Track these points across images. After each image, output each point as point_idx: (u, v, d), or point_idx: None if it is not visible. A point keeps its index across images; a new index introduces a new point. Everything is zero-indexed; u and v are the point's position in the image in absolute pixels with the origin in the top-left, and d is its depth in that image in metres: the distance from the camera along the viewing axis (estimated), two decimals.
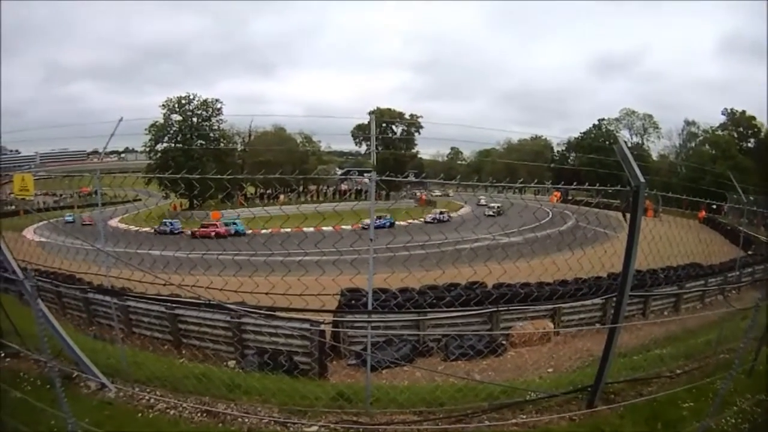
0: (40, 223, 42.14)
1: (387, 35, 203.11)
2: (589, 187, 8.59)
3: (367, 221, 7.54)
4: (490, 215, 58.45)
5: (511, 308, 15.92)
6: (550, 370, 13.47)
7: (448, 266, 10.74)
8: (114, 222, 61.05)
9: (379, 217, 52.42)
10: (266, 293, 8.71)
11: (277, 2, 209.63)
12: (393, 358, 13.80)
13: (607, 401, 7.27)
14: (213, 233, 46.89)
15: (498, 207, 60.23)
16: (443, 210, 64.14)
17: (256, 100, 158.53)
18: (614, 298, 7.24)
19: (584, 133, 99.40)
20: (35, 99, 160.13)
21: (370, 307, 8.08)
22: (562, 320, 18.07)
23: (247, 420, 6.78)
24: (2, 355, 8.26)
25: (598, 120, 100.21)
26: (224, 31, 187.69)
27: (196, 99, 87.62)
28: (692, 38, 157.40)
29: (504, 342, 16.31)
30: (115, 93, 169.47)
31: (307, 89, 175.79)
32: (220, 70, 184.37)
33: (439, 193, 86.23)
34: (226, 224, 51.56)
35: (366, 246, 7.38)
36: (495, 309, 15.70)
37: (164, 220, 56.82)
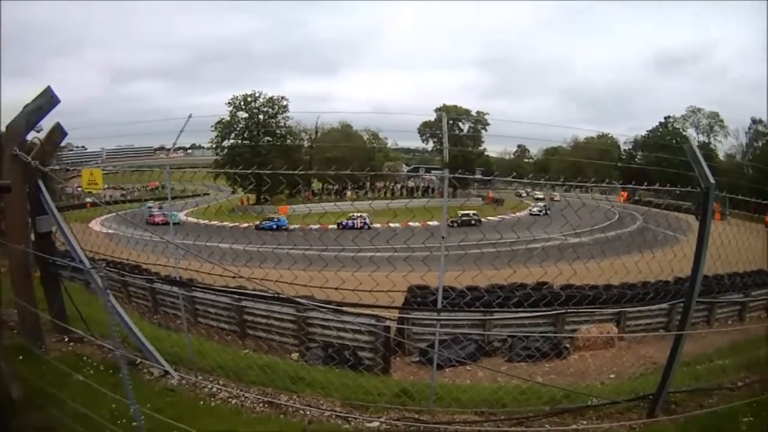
0: (107, 215, 42.92)
1: (451, 33, 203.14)
2: (657, 188, 8.25)
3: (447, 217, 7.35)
4: (534, 214, 58.07)
5: (579, 310, 15.63)
6: (612, 375, 13.26)
7: (519, 266, 10.47)
8: (182, 215, 62.07)
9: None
10: (336, 288, 8.60)
11: (342, 2, 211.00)
12: (458, 357, 13.60)
13: (667, 411, 6.99)
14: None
15: (544, 205, 59.76)
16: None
17: (321, 98, 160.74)
18: (681, 304, 6.96)
19: (650, 131, 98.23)
20: (100, 98, 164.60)
21: (439, 305, 7.87)
22: (627, 325, 17.67)
23: (308, 413, 6.68)
24: (66, 339, 8.28)
25: (664, 118, 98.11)
26: (288, 32, 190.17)
27: (262, 96, 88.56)
28: (759, 34, 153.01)
29: (568, 345, 16.01)
30: (180, 92, 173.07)
31: (372, 87, 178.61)
32: (285, 70, 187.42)
33: (524, 193, 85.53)
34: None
35: (437, 243, 7.18)
36: (563, 311, 15.43)
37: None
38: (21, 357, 6.97)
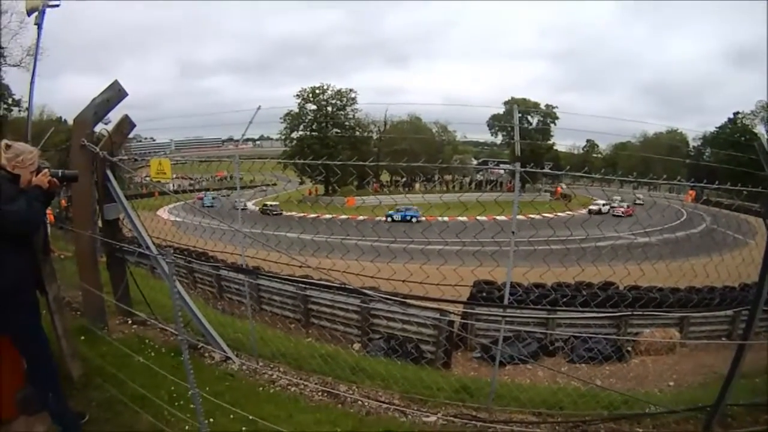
0: (176, 204, 43.60)
1: (523, 26, 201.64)
2: (727, 188, 7.91)
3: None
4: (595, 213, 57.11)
5: (645, 313, 15.31)
6: (671, 383, 12.82)
7: (588, 264, 10.28)
8: (249, 204, 62.81)
9: None
10: (403, 281, 8.55)
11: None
12: (520, 355, 13.45)
13: (723, 424, 6.77)
14: None
15: (604, 204, 58.68)
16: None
17: (391, 91, 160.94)
18: (745, 312, 6.70)
19: (719, 127, 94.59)
20: (170, 92, 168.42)
21: (506, 301, 7.75)
22: (689, 330, 17.20)
23: (366, 404, 6.63)
24: (130, 322, 8.42)
25: (734, 114, 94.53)
26: (360, 25, 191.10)
27: (330, 89, 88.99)
28: None
29: (630, 349, 15.70)
30: (250, 85, 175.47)
31: (443, 80, 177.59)
32: (356, 63, 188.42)
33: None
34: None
35: (507, 238, 7.05)
36: (629, 313, 15.14)
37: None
38: (83, 338, 7.09)
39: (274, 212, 58.91)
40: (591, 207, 59.31)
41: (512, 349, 13.85)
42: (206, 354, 7.68)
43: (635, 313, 15.10)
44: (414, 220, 44.80)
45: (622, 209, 60.42)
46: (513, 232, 6.78)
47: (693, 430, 6.67)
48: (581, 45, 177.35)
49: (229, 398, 5.87)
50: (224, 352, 7.64)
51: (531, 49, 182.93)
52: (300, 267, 8.02)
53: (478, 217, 9.15)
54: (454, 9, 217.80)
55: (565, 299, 15.03)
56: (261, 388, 6.83)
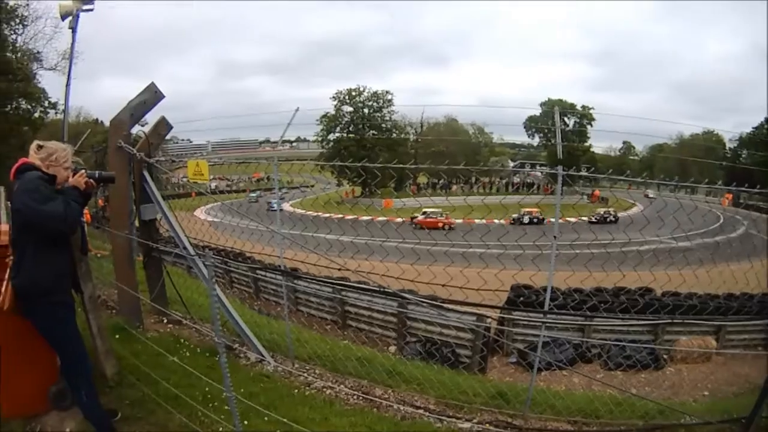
0: (212, 205, 43.95)
1: (560, 26, 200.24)
2: (761, 191, 7.68)
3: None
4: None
5: (685, 320, 15.09)
6: (705, 393, 12.74)
7: (628, 269, 10.17)
8: (286, 206, 63.14)
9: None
10: (443, 285, 8.49)
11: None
12: (556, 360, 13.31)
13: None
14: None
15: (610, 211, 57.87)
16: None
17: (429, 91, 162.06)
18: None
19: (756, 127, 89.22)
20: (208, 93, 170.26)
21: (546, 307, 7.64)
22: (726, 339, 16.83)
23: (401, 409, 6.55)
24: (165, 321, 8.46)
25: None
26: (398, 26, 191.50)
27: (366, 91, 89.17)
28: None
29: (666, 356, 15.46)
30: (288, 86, 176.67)
31: (481, 81, 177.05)
32: (394, 63, 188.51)
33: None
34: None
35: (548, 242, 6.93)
36: (668, 320, 14.95)
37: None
38: (118, 336, 7.12)
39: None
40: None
41: (549, 354, 13.73)
42: (241, 354, 7.68)
43: (675, 320, 14.92)
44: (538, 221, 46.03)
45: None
46: (555, 237, 6.66)
47: None
48: (615, 44, 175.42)
49: (264, 400, 5.86)
50: (260, 353, 7.63)
51: (566, 49, 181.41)
52: (339, 270, 8.01)
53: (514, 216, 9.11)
54: (491, 9, 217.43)
55: (604, 305, 14.88)
56: (296, 390, 6.77)
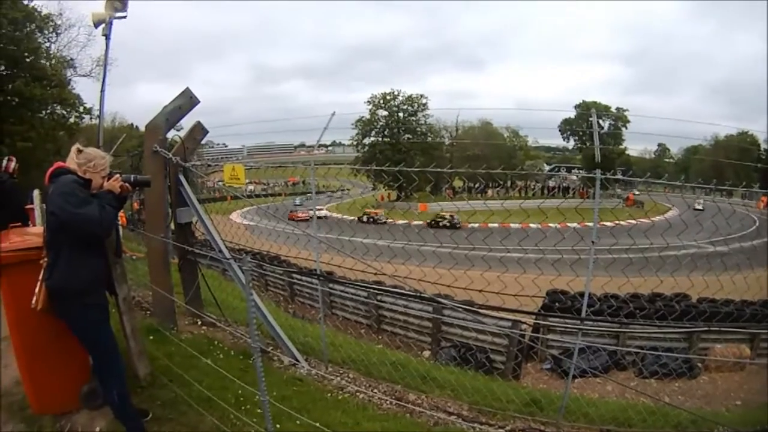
0: (248, 208, 44.17)
1: (595, 27, 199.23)
2: None
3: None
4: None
5: (721, 329, 14.90)
6: (738, 402, 12.61)
7: (666, 275, 10.01)
8: (323, 211, 63.37)
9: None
10: (480, 291, 8.44)
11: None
12: (591, 367, 13.19)
13: None
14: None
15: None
16: (446, 214, 59.87)
17: (465, 95, 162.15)
18: None
19: None
20: (244, 97, 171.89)
21: (584, 313, 7.55)
22: (760, 347, 16.56)
23: (434, 415, 6.52)
24: (199, 323, 8.49)
25: None
26: (434, 29, 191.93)
27: (401, 95, 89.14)
28: None
29: (699, 364, 15.26)
30: (323, 90, 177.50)
31: (516, 84, 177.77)
32: (430, 67, 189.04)
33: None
34: None
35: (586, 247, 6.86)
36: (704, 328, 14.76)
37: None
38: (152, 337, 7.20)
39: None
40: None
41: (583, 361, 13.62)
42: (275, 358, 7.71)
43: (711, 328, 14.68)
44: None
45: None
46: (593, 242, 6.58)
47: None
48: (650, 45, 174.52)
49: (297, 403, 5.86)
50: (294, 356, 7.64)
51: (600, 51, 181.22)
52: (375, 274, 8.00)
53: (552, 225, 9.05)
54: (525, 11, 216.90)
55: (641, 312, 14.73)
56: (329, 394, 6.76)
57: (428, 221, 54.04)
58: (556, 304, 15.07)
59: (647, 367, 14.27)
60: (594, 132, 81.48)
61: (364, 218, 56.17)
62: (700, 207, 60.10)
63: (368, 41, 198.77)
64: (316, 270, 8.96)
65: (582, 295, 13.85)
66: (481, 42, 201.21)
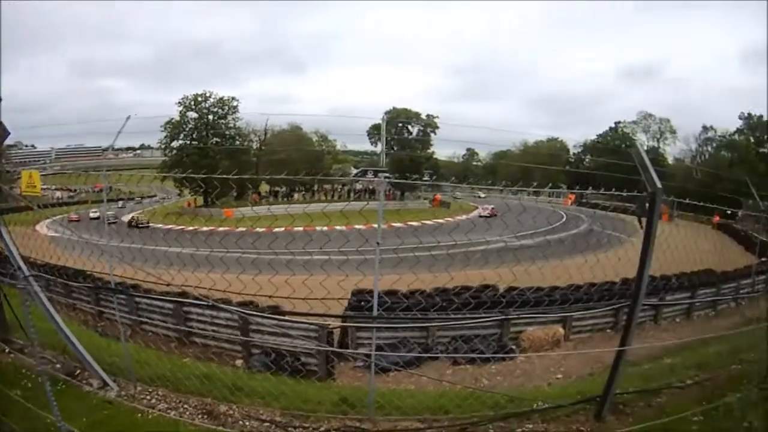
0: (56, 218, 42.26)
1: (420, 37, 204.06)
2: (603, 192, 8.44)
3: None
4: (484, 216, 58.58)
5: (520, 314, 15.83)
6: (559, 376, 13.34)
7: (458, 271, 10.65)
8: (127, 218, 61.29)
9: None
10: (286, 297, 8.67)
11: (313, 3, 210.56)
12: (400, 362, 13.69)
13: (616, 412, 7.13)
14: None
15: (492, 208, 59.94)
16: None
17: (283, 99, 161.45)
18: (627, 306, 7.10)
19: (600, 135, 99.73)
20: (63, 94, 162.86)
21: (375, 311, 7.93)
22: (573, 326, 17.94)
23: (247, 423, 6.70)
24: (7, 350, 8.17)
25: (615, 123, 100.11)
26: (261, 31, 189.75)
27: (213, 96, 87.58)
28: (719, 48, 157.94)
29: (514, 347, 16.23)
30: (146, 90, 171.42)
31: (335, 90, 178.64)
32: (254, 69, 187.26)
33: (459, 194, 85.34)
34: None
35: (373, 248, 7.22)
36: (514, 316, 15.66)
37: None
38: None
39: (141, 224, 57.41)
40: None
41: (395, 355, 14.10)
42: (84, 380, 7.56)
43: (513, 314, 15.59)
44: None
45: (487, 211, 61.38)
46: (378, 243, 6.99)
47: (585, 420, 6.99)
48: (477, 57, 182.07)
49: (110, 427, 5.88)
50: (102, 378, 7.50)
51: (427, 59, 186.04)
52: (167, 285, 8.02)
53: (347, 227, 9.44)
54: (355, 19, 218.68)
55: (442, 304, 15.44)
56: (140, 414, 6.73)
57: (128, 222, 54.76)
58: (362, 302, 15.50)
59: (458, 352, 15.00)
60: (382, 137, 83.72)
61: (133, 222, 55.25)
62: (483, 196, 63.28)
63: (193, 40, 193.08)
64: (111, 283, 8.89)
65: (387, 293, 14.41)
66: (305, 46, 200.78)
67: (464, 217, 60.46)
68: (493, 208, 59.92)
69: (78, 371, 7.66)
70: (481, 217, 59.33)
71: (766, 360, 6.55)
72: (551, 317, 17.50)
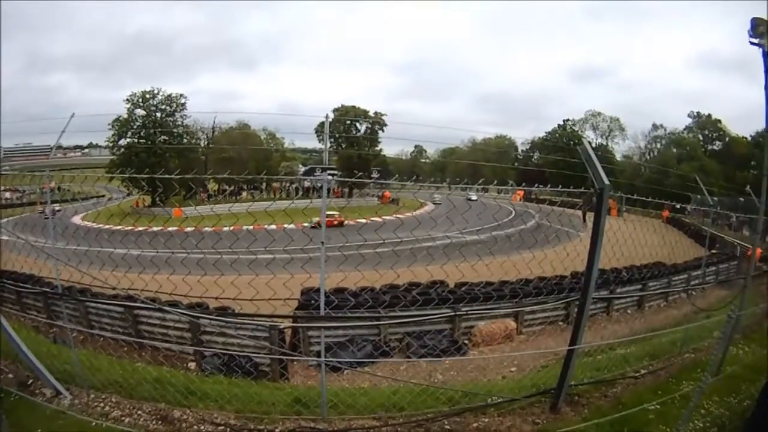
0: (8, 219, 41.41)
1: (371, 35, 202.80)
2: (551, 189, 8.61)
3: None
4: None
5: (471, 310, 15.99)
6: (513, 369, 13.38)
7: (403, 268, 10.77)
8: (77, 219, 60.25)
9: None
10: (233, 299, 8.70)
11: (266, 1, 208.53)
12: (352, 359, 13.79)
13: (571, 403, 7.32)
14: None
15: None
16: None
17: (235, 96, 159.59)
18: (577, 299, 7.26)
19: (549, 133, 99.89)
20: (13, 88, 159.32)
21: (322, 310, 8.02)
22: (525, 320, 18.15)
23: (202, 428, 6.73)
24: None
25: (563, 120, 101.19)
26: (210, 26, 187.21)
27: (161, 94, 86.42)
28: (669, 53, 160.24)
29: (466, 342, 16.44)
30: (95, 86, 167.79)
31: (285, 87, 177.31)
32: (204, 65, 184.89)
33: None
34: None
35: (318, 246, 7.27)
36: (464, 312, 15.84)
37: None
38: None
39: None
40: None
41: (345, 353, 14.20)
42: (38, 390, 7.49)
43: (459, 313, 15.77)
44: None
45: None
46: (322, 242, 7.09)
47: (540, 412, 7.18)
48: (426, 56, 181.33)
49: None
50: (54, 387, 7.45)
51: (377, 58, 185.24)
52: (114, 289, 8.01)
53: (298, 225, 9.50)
54: (307, 16, 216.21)
55: (390, 300, 15.59)
56: (94, 423, 6.68)
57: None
58: (312, 301, 15.53)
59: (411, 349, 15.13)
60: (325, 135, 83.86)
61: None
62: (474, 198, 63.74)
63: (145, 35, 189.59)
64: (57, 286, 8.84)
65: (335, 291, 14.50)
66: (258, 43, 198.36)
67: (411, 214, 60.73)
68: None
69: (30, 380, 7.57)
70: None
71: (718, 348, 6.76)
72: (502, 312, 17.63)
